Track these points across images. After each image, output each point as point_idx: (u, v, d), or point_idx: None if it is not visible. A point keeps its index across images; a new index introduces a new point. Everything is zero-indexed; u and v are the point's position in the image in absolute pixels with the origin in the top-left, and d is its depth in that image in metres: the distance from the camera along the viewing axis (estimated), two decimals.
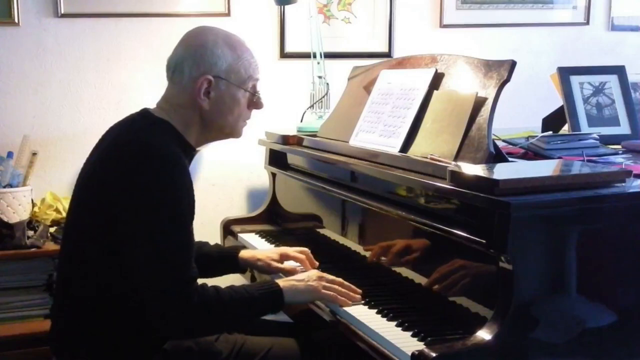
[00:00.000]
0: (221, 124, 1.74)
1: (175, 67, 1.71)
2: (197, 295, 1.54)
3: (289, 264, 2.01)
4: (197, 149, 1.77)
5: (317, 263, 2.00)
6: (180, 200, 1.57)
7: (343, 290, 1.73)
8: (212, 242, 2.14)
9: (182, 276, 1.54)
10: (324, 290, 1.72)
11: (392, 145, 1.87)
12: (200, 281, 1.60)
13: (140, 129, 1.67)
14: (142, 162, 1.57)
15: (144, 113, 1.73)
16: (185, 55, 1.69)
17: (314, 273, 1.78)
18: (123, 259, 1.57)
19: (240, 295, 1.63)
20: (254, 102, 1.77)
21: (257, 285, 1.72)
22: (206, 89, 1.68)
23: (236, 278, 2.34)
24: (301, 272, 1.88)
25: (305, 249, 2.02)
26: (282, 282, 1.72)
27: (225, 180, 2.99)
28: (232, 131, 1.77)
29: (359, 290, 1.75)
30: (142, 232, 1.54)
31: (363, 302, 1.72)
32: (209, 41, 1.69)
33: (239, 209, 2.99)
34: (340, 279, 1.76)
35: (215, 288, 1.61)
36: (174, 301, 1.53)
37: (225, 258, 2.05)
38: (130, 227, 1.55)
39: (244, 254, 2.04)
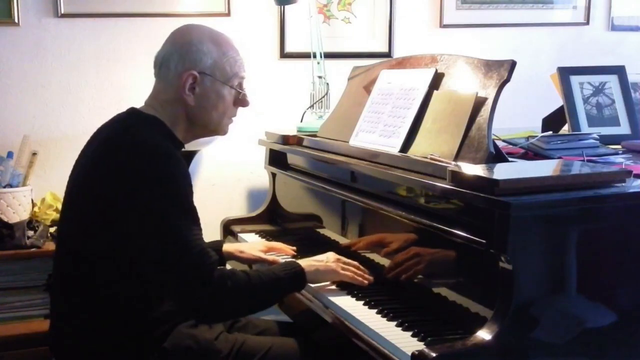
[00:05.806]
0: (206, 120, 1.76)
1: (161, 63, 1.73)
2: (229, 279, 1.59)
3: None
4: (186, 146, 1.80)
5: None
6: (183, 189, 1.59)
7: (358, 272, 1.80)
8: None
9: (209, 263, 1.57)
10: (342, 271, 1.78)
11: (392, 145, 1.87)
12: None
13: (130, 126, 1.68)
14: (137, 158, 1.58)
15: (132, 111, 1.75)
16: (171, 51, 1.71)
17: (332, 255, 1.83)
18: (128, 258, 1.57)
19: (268, 277, 1.67)
20: (240, 100, 1.79)
21: (280, 267, 1.75)
22: (191, 85, 1.70)
23: None
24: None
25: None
26: (302, 262, 1.77)
27: (225, 180, 2.99)
28: (216, 128, 1.79)
29: (370, 277, 1.81)
30: (154, 228, 1.54)
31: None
32: (195, 38, 1.72)
33: (239, 209, 2.99)
34: (355, 262, 1.83)
35: (244, 271, 1.66)
36: (213, 288, 1.56)
37: None
38: (138, 225, 1.55)
39: (227, 247, 2.10)
